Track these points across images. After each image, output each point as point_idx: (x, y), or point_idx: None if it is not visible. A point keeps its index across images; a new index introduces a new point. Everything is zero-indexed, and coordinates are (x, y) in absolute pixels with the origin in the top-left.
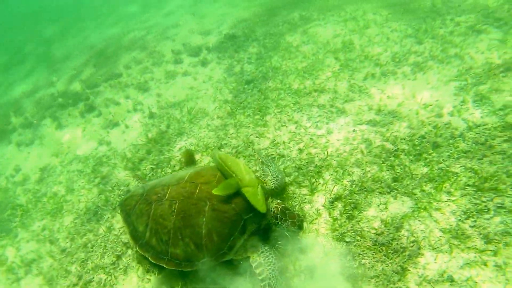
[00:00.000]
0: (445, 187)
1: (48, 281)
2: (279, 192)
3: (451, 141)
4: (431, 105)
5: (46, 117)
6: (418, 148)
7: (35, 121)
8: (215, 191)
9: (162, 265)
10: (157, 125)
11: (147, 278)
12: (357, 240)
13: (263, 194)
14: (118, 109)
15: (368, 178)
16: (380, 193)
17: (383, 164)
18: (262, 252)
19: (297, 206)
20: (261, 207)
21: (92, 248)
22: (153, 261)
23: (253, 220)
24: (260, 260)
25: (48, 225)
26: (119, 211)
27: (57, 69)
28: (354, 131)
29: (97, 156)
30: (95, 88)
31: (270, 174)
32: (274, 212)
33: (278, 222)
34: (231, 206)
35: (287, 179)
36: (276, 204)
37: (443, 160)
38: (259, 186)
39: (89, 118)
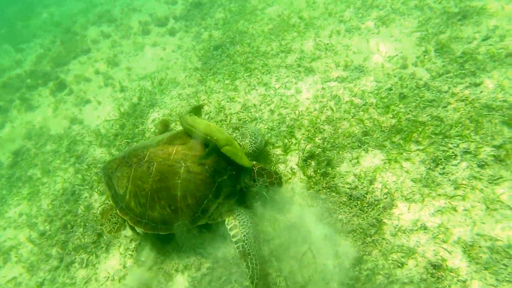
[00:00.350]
0: (414, 137)
1: (28, 268)
2: (258, 154)
3: (416, 92)
4: (395, 57)
5: (15, 99)
6: (385, 100)
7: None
8: (199, 159)
9: (139, 228)
10: (129, 98)
11: (129, 254)
12: (333, 197)
13: (242, 150)
14: (89, 85)
15: (339, 134)
16: (352, 148)
17: (352, 119)
18: (238, 215)
19: (272, 166)
20: (245, 162)
21: (71, 229)
22: (131, 224)
23: (227, 183)
24: (235, 223)
25: (25, 210)
26: (101, 175)
27: (23, 48)
28: (323, 88)
29: (71, 135)
30: (65, 66)
31: (249, 136)
32: (251, 174)
33: (257, 184)
34: (204, 168)
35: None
36: (252, 166)
37: (410, 111)
38: (236, 143)
39: (60, 97)
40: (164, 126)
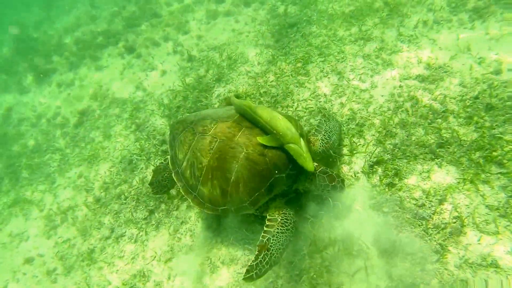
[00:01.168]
0: (497, 157)
1: (81, 231)
2: (327, 155)
3: (508, 103)
4: (489, 59)
5: (86, 56)
6: (469, 110)
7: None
8: (260, 139)
9: (188, 198)
10: (196, 69)
11: (178, 237)
12: (396, 211)
13: (308, 151)
14: (158, 50)
15: (412, 142)
16: (424, 159)
17: (429, 127)
18: (284, 213)
19: (335, 167)
20: (308, 165)
21: (125, 200)
22: (182, 192)
23: (283, 181)
24: (276, 217)
25: (84, 172)
26: (168, 132)
27: (98, 5)
28: (400, 86)
29: (135, 101)
30: (136, 27)
31: (323, 132)
32: (312, 179)
33: (317, 188)
34: (264, 160)
35: None
36: (315, 168)
37: (496, 125)
38: (303, 142)
39: (128, 60)
40: (229, 103)
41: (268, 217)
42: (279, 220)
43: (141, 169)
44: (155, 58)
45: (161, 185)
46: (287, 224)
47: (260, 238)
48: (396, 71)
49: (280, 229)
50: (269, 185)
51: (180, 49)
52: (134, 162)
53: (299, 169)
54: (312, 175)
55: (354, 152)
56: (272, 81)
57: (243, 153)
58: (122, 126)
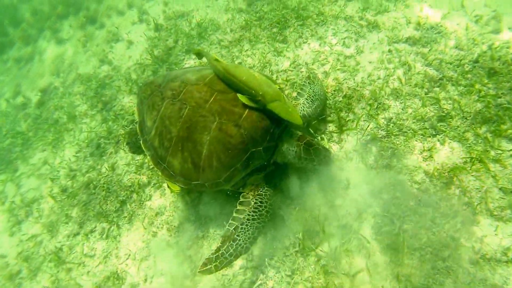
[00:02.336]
0: (506, 130)
1: (48, 226)
2: (308, 121)
3: None
4: (486, 16)
5: (45, 29)
6: (469, 76)
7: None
8: (241, 97)
9: (157, 171)
10: (164, 39)
11: (153, 231)
12: (397, 198)
13: (293, 106)
14: (122, 20)
15: (409, 115)
16: (423, 135)
17: (425, 97)
18: (259, 194)
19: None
20: (296, 119)
21: (94, 190)
22: (151, 163)
23: (261, 155)
24: (250, 200)
25: (48, 158)
26: (136, 94)
27: None
28: (389, 51)
29: (100, 77)
30: None
31: (306, 96)
32: (295, 150)
33: (302, 162)
34: (239, 132)
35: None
36: (297, 139)
37: (502, 94)
38: (285, 97)
39: (91, 31)
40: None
41: (240, 198)
42: (252, 203)
43: (110, 154)
44: (119, 28)
45: (136, 145)
46: (260, 209)
47: (227, 226)
48: (383, 33)
49: (252, 215)
50: (245, 160)
51: (146, 18)
52: (102, 146)
53: (278, 141)
54: (297, 149)
55: (344, 128)
56: (247, 50)
57: (216, 123)
58: (87, 105)
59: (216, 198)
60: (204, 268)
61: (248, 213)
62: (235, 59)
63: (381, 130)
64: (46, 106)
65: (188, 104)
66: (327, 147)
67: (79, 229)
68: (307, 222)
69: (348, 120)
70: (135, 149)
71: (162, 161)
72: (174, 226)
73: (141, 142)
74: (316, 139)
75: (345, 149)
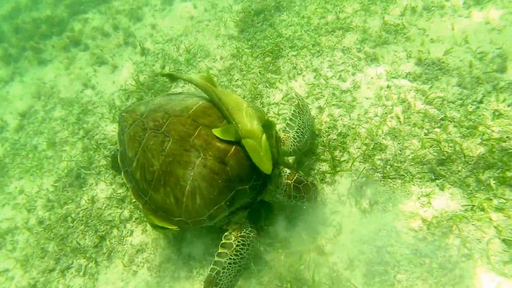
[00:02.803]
0: (511, 178)
1: (22, 261)
2: (297, 155)
3: None
4: (491, 54)
5: (27, 49)
6: (472, 117)
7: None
8: (215, 131)
9: (139, 204)
10: (150, 64)
11: (133, 270)
12: (391, 245)
13: (269, 150)
14: (107, 42)
15: (406, 157)
16: (421, 179)
17: (425, 138)
18: (242, 236)
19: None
20: (264, 165)
21: (72, 223)
22: (132, 195)
23: (247, 194)
24: (232, 242)
25: (25, 187)
26: (118, 122)
27: None
28: (388, 87)
29: (82, 102)
30: (82, 14)
31: (296, 129)
32: (285, 189)
33: (293, 201)
34: (225, 169)
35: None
36: (286, 177)
37: (507, 137)
38: (264, 139)
39: (74, 53)
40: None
41: (223, 239)
42: (234, 246)
43: (90, 185)
44: (104, 51)
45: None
46: (242, 252)
47: (209, 271)
48: (382, 67)
49: (233, 259)
50: (230, 198)
51: (132, 40)
52: (82, 176)
53: (265, 178)
54: (287, 187)
55: (338, 169)
56: (238, 79)
57: (200, 159)
58: (68, 131)
59: (199, 236)
60: None
61: (230, 256)
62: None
63: (377, 172)
64: (25, 131)
65: (172, 137)
66: (319, 187)
67: (54, 265)
68: (295, 269)
69: (343, 160)
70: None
71: (144, 195)
72: (155, 265)
73: (122, 173)
74: (304, 176)
75: (338, 192)
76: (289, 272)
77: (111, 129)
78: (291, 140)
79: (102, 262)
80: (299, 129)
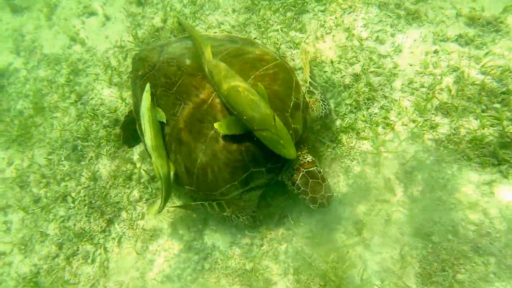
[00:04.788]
0: None
1: (19, 244)
2: (322, 123)
3: None
4: None
5: None
6: None
7: None
8: (216, 125)
9: (149, 159)
10: (149, 17)
11: (149, 259)
12: (448, 240)
13: (288, 133)
14: None
15: (462, 138)
16: (481, 164)
17: (483, 116)
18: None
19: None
20: (288, 152)
21: (73, 203)
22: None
23: (262, 176)
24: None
25: (14, 159)
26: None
27: None
28: (435, 52)
29: (71, 60)
30: None
31: (320, 91)
32: (293, 173)
33: (295, 189)
34: (239, 149)
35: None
36: (301, 162)
37: None
38: (279, 123)
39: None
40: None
41: (223, 213)
42: (225, 213)
43: (89, 159)
44: None
45: (134, 137)
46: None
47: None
48: (427, 28)
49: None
50: (244, 179)
51: None
52: (79, 148)
53: (285, 161)
54: (295, 173)
55: (382, 150)
56: (256, 37)
57: (213, 132)
58: (58, 95)
59: (223, 223)
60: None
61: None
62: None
63: (428, 154)
64: (6, 93)
65: (183, 101)
66: (334, 192)
67: (58, 251)
68: (339, 266)
69: (387, 140)
70: (132, 142)
71: None
72: (174, 254)
73: (137, 126)
74: (324, 174)
75: (383, 175)
76: (332, 270)
77: (108, 94)
78: (320, 103)
79: (112, 248)
80: (321, 94)
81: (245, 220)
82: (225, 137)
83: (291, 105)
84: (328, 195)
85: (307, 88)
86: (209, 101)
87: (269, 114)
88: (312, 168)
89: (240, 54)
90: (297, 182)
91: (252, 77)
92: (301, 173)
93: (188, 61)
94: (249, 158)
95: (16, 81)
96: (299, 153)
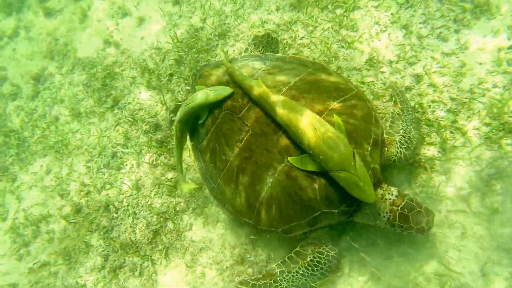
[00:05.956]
0: None
1: (63, 254)
2: (405, 164)
3: None
4: None
5: None
6: None
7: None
8: (290, 159)
9: (206, 186)
10: (187, 16)
11: (201, 273)
12: None
13: (367, 175)
14: None
15: None
16: None
17: None
18: (318, 252)
19: (420, 174)
20: (367, 196)
21: (116, 213)
22: (200, 175)
23: (333, 218)
24: (307, 254)
25: (52, 166)
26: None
27: None
28: (510, 47)
29: (106, 63)
30: None
31: (401, 132)
32: (388, 216)
33: (396, 229)
34: (312, 186)
35: None
36: (392, 202)
37: None
38: (359, 163)
39: (88, 1)
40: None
41: (298, 247)
42: (308, 259)
43: (131, 167)
44: None
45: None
46: (315, 269)
47: (274, 265)
48: (499, 21)
49: (304, 271)
50: (312, 219)
51: None
52: (119, 156)
53: (360, 204)
54: (391, 214)
55: (452, 156)
56: (303, 37)
57: (283, 166)
58: (93, 99)
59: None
60: (241, 286)
61: (300, 266)
62: (287, 49)
63: (508, 161)
64: (42, 98)
65: (251, 128)
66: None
67: (103, 262)
68: (412, 281)
69: (458, 145)
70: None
71: (212, 180)
72: (226, 267)
73: (190, 148)
74: (416, 199)
75: (455, 184)
76: (404, 285)
77: (146, 97)
78: (398, 145)
79: (159, 261)
80: (405, 132)
81: (330, 259)
82: (297, 172)
83: (371, 142)
84: (431, 217)
85: (386, 126)
86: (281, 130)
87: (348, 154)
88: (405, 202)
89: (313, 81)
90: (397, 223)
91: (329, 109)
92: (397, 213)
93: (252, 91)
94: (322, 197)
95: (50, 86)
96: (382, 190)
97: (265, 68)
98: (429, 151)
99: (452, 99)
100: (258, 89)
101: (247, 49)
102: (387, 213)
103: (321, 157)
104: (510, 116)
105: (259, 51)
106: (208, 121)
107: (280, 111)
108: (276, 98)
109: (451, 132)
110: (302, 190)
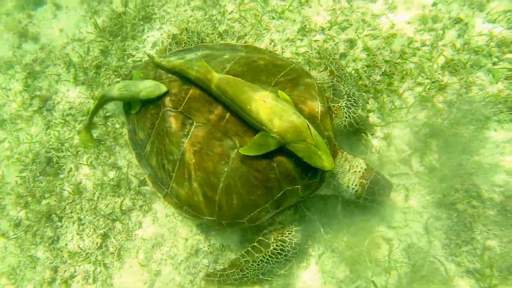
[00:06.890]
0: None
1: (9, 274)
2: (354, 130)
3: None
4: None
5: None
6: None
7: None
8: (242, 151)
9: (159, 194)
10: (107, 1)
11: (156, 270)
12: (473, 207)
13: (324, 143)
14: None
15: (475, 95)
16: (500, 122)
17: (495, 69)
18: (281, 240)
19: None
20: (326, 164)
21: (60, 221)
22: (149, 183)
23: (298, 194)
24: (270, 242)
25: None
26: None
27: None
28: (434, 4)
29: (26, 61)
30: None
31: (345, 96)
32: (357, 188)
33: (360, 201)
34: (270, 165)
35: None
36: (361, 175)
37: None
38: (314, 132)
39: None
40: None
41: (260, 236)
42: (271, 247)
43: (69, 171)
44: None
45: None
46: (279, 257)
47: (239, 255)
48: None
49: (267, 259)
50: (277, 199)
51: None
52: (55, 161)
53: (322, 175)
54: (359, 187)
55: (390, 119)
56: (232, 11)
57: (236, 151)
58: (17, 103)
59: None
60: (208, 278)
61: (264, 255)
62: (217, 26)
63: (442, 118)
64: None
65: (195, 119)
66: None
67: (53, 275)
68: (363, 249)
69: (394, 108)
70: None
71: (164, 185)
72: (181, 260)
73: (134, 156)
74: (381, 173)
75: (396, 147)
76: (356, 254)
77: (76, 95)
78: (345, 110)
79: (112, 264)
80: (349, 96)
81: (293, 246)
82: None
83: (319, 111)
84: (390, 189)
85: (330, 94)
86: (227, 114)
87: (303, 124)
88: (373, 176)
89: (249, 62)
90: (364, 196)
91: (272, 85)
92: (366, 186)
93: (193, 72)
94: (282, 175)
95: None
96: (348, 163)
97: (197, 58)
98: (369, 118)
99: (386, 61)
100: (201, 69)
101: (170, 49)
102: (356, 185)
103: (275, 131)
104: (439, 73)
105: (182, 47)
106: (145, 124)
107: (228, 89)
108: (221, 76)
109: (388, 96)
110: (260, 172)
